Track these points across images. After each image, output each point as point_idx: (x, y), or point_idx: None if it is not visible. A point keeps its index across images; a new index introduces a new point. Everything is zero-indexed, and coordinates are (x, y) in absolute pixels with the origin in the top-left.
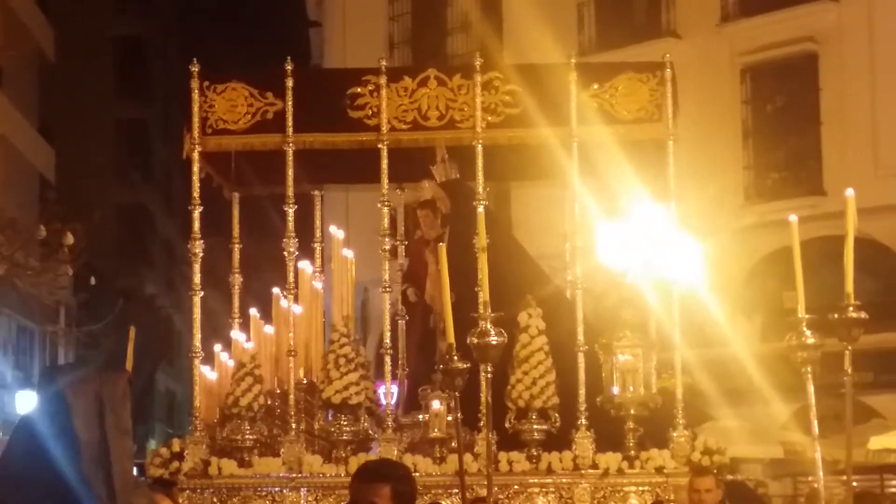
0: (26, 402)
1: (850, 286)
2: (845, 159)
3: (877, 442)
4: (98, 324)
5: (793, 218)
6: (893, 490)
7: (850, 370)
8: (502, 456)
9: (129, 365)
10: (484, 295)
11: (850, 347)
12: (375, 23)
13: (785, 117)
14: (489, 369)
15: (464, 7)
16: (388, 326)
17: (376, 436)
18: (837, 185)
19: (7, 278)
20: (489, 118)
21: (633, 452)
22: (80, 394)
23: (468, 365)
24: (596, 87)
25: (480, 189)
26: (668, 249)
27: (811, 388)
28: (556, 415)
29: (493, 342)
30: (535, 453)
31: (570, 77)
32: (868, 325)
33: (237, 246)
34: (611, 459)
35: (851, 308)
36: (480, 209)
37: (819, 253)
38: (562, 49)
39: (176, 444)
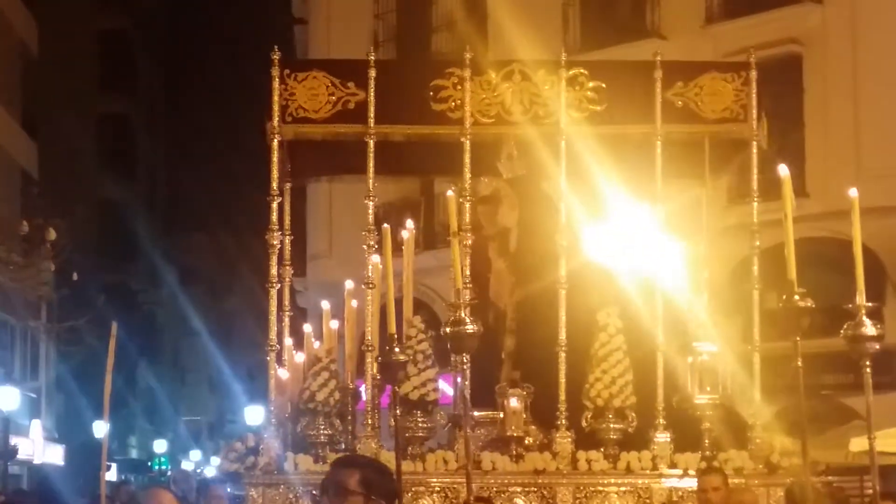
0: (6, 398)
1: (792, 273)
2: (828, 161)
3: (857, 444)
4: (79, 319)
5: (853, 193)
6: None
7: (800, 362)
8: (580, 455)
9: (110, 361)
10: (457, 283)
11: (798, 338)
12: (360, 20)
13: (768, 119)
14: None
15: (449, 5)
16: None
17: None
18: (820, 186)
19: None
20: (573, 114)
21: (708, 453)
22: None
23: (405, 360)
24: (680, 85)
25: (563, 185)
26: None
27: (869, 383)
28: (633, 414)
29: (469, 331)
30: (612, 452)
31: (655, 75)
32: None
33: (288, 237)
34: (690, 460)
35: (797, 296)
36: (562, 206)
37: (801, 254)
38: (546, 48)
39: (251, 439)
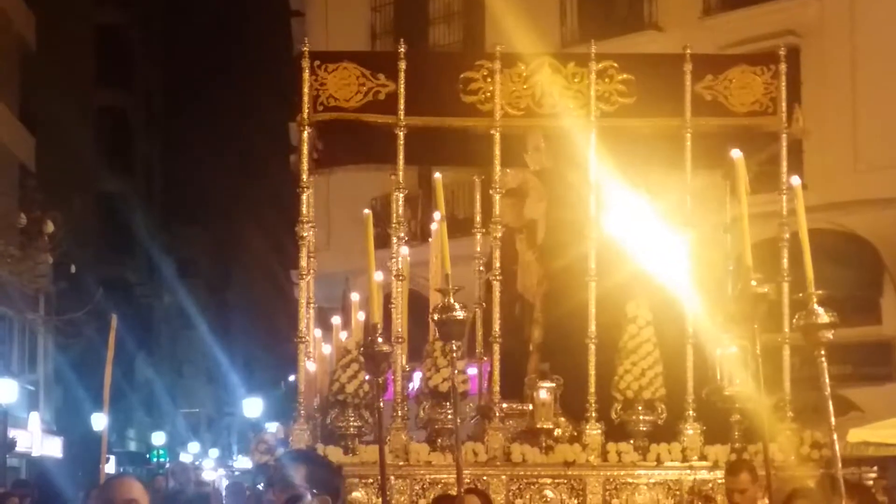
0: (4, 390)
1: (748, 258)
2: (826, 153)
3: (855, 435)
4: (77, 312)
5: (795, 181)
6: (870, 482)
7: (758, 350)
8: (611, 447)
9: (110, 354)
10: (445, 267)
11: (756, 325)
12: (358, 13)
13: None
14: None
15: None
16: (496, 315)
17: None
18: (817, 179)
19: None
20: (603, 107)
21: (738, 445)
22: None
23: (388, 351)
24: (710, 78)
25: (593, 178)
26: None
27: (826, 374)
28: (663, 406)
29: (459, 317)
30: (641, 444)
31: (685, 68)
32: (847, 318)
33: (312, 228)
34: (719, 452)
35: (754, 282)
36: (592, 198)
37: (798, 245)
38: (544, 41)
39: (281, 431)
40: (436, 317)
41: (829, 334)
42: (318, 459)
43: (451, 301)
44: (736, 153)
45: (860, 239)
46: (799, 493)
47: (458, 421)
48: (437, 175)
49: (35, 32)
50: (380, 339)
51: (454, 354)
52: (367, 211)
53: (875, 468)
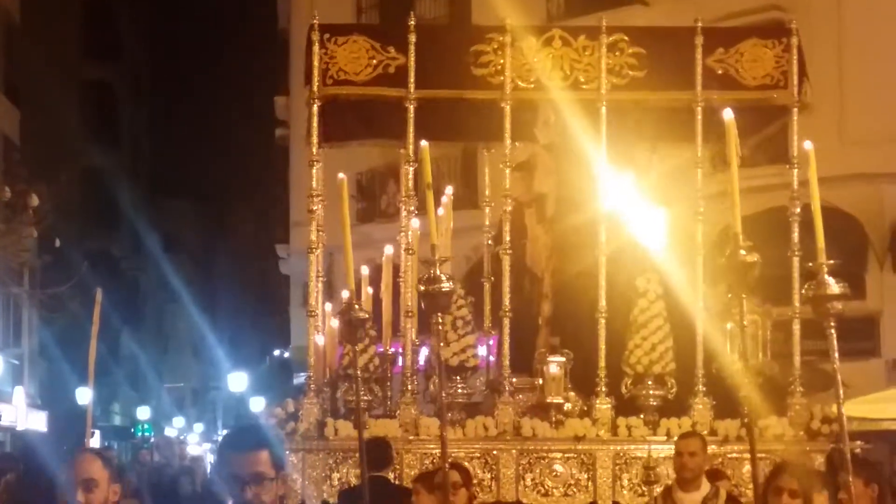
0: None
1: (738, 225)
2: (811, 128)
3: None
4: (62, 286)
5: (808, 145)
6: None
7: (744, 321)
8: (620, 421)
9: (95, 328)
10: (433, 238)
11: (745, 296)
12: None
13: None
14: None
15: None
16: (507, 290)
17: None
18: (803, 153)
19: None
20: (614, 80)
21: (747, 420)
22: None
23: (365, 317)
24: (721, 51)
25: (603, 151)
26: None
27: (835, 348)
28: (673, 381)
29: (445, 289)
30: (651, 419)
31: (696, 41)
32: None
33: (322, 202)
34: (730, 427)
35: (743, 251)
36: (601, 172)
37: (783, 221)
38: (531, 14)
39: (291, 405)
40: (421, 288)
41: (840, 305)
42: (275, 441)
43: (438, 272)
44: (728, 114)
45: (845, 214)
46: (783, 467)
47: (444, 394)
48: (424, 143)
49: (20, 5)
50: (357, 306)
51: (440, 327)
52: (341, 175)
53: (859, 443)
